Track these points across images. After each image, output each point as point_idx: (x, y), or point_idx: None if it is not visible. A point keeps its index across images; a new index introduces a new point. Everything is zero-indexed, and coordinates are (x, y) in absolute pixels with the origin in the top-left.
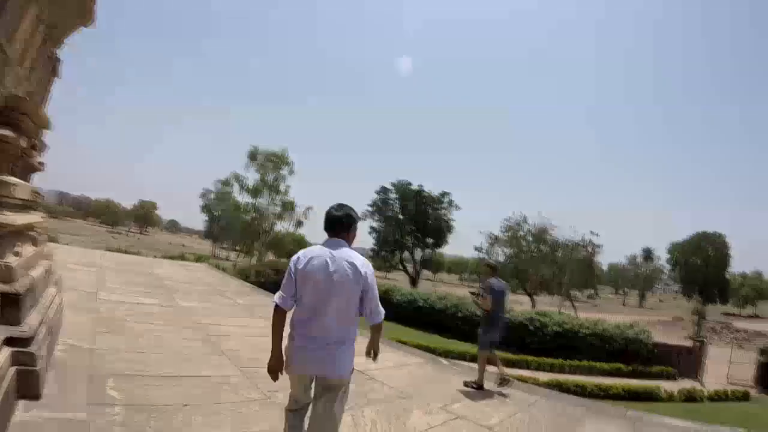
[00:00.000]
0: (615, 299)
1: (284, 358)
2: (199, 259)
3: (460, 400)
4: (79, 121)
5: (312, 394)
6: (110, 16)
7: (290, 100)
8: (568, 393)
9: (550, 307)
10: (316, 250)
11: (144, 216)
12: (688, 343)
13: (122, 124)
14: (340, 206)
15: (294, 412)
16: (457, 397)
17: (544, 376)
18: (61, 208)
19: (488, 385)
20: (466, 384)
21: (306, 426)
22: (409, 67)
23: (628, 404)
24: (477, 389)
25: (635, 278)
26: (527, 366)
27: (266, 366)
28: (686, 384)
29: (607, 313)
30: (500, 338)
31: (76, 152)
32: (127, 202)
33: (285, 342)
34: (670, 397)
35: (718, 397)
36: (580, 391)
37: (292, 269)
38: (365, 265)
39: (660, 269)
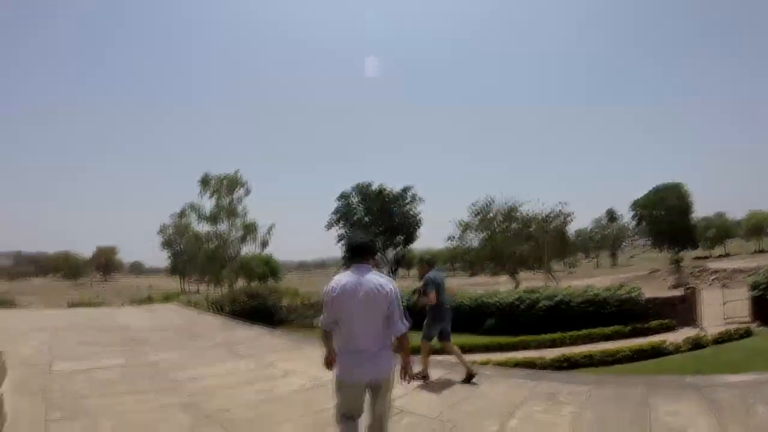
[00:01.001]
0: (587, 264)
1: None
2: (167, 298)
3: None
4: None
5: (363, 402)
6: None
7: (241, 119)
8: (577, 366)
9: (532, 283)
10: (345, 277)
11: (105, 263)
12: (679, 292)
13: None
14: (360, 234)
15: (347, 420)
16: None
17: (549, 353)
18: (19, 268)
19: (435, 374)
20: (413, 376)
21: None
22: (376, 66)
23: (638, 365)
24: (422, 379)
25: (603, 240)
26: (528, 346)
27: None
28: (688, 332)
29: (584, 279)
30: (449, 329)
31: (27, 208)
32: (87, 251)
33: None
34: (677, 349)
35: (722, 339)
36: (589, 362)
37: (328, 299)
38: (390, 284)
39: (625, 227)
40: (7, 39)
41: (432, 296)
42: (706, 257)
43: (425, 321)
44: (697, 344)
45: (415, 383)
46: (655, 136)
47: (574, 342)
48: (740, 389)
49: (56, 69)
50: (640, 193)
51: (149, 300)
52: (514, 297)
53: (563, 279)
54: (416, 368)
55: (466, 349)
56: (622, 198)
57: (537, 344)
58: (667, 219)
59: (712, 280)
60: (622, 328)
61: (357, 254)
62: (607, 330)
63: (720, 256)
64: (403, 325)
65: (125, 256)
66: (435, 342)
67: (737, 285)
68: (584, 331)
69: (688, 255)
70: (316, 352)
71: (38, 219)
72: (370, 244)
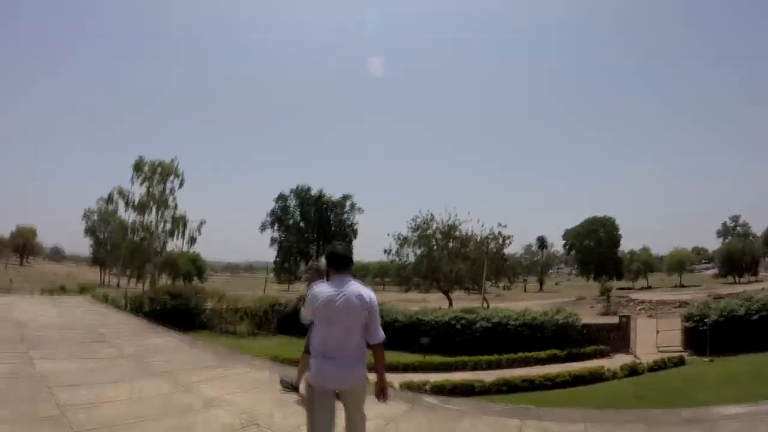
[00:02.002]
0: (515, 287)
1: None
2: (82, 290)
3: None
4: None
5: (334, 420)
6: None
7: (180, 106)
8: (516, 390)
9: (464, 303)
10: (325, 288)
11: (23, 245)
12: (610, 319)
13: None
14: (343, 245)
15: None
16: None
17: (487, 376)
18: None
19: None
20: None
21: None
22: (380, 66)
23: (574, 390)
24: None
25: (532, 265)
26: (464, 367)
27: None
28: (622, 359)
29: (513, 301)
30: None
31: None
32: (4, 230)
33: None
34: (614, 375)
35: (657, 366)
36: (529, 386)
37: (314, 303)
38: (369, 294)
39: (554, 255)
40: None
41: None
42: (629, 288)
43: (307, 333)
44: (633, 371)
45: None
46: (587, 169)
47: (510, 364)
48: (741, 422)
49: None
50: (566, 222)
51: (62, 290)
52: (450, 316)
53: (492, 301)
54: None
55: (401, 368)
56: (546, 226)
57: (473, 365)
58: (596, 250)
59: (639, 309)
60: (558, 352)
61: (343, 265)
62: (543, 354)
63: (642, 288)
64: (380, 335)
65: (45, 239)
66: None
67: (662, 315)
68: (521, 354)
69: (613, 285)
70: (247, 375)
71: None
72: (351, 255)
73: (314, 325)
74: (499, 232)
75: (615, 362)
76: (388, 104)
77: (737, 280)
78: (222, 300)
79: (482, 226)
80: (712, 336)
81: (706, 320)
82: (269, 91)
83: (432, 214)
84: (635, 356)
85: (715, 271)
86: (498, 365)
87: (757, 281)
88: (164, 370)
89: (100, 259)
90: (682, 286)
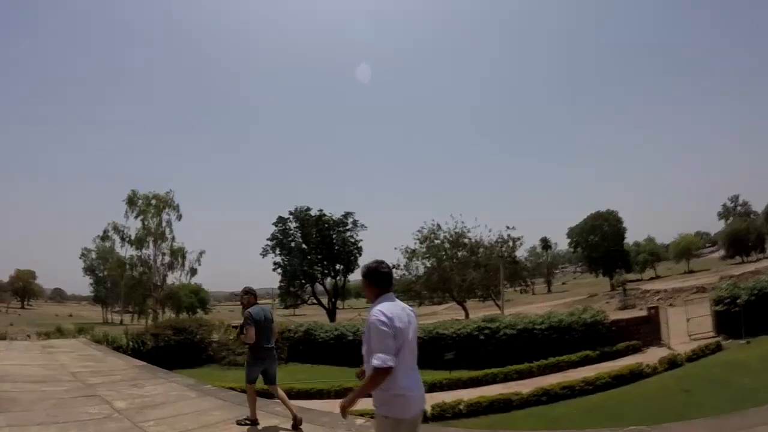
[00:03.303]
0: (514, 291)
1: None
2: (80, 330)
3: None
4: None
5: None
6: None
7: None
8: (557, 398)
9: (479, 312)
10: (392, 305)
11: (23, 288)
12: (641, 313)
13: None
14: (383, 262)
15: None
16: None
17: (522, 387)
18: None
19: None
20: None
21: None
22: (368, 74)
23: (619, 392)
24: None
25: (537, 267)
26: (495, 380)
27: None
28: (657, 352)
29: (525, 305)
30: (274, 371)
31: None
32: (3, 274)
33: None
34: (654, 371)
35: (695, 356)
36: (570, 393)
37: (391, 329)
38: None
39: (558, 255)
40: None
41: (251, 334)
42: (638, 280)
43: (246, 361)
44: (673, 363)
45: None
46: (583, 164)
47: (543, 372)
48: None
49: None
50: (564, 221)
51: (59, 332)
52: (472, 327)
53: (504, 307)
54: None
55: (427, 387)
56: (545, 227)
57: (504, 377)
58: (602, 245)
59: (657, 300)
60: (590, 353)
61: (388, 283)
62: (575, 356)
63: (652, 279)
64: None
65: (46, 282)
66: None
67: (681, 303)
68: (552, 360)
69: (617, 279)
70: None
71: None
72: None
73: (399, 351)
74: (509, 235)
75: (650, 357)
76: (377, 114)
77: (744, 259)
78: (228, 331)
79: (490, 231)
80: (744, 317)
81: (738, 301)
82: (259, 115)
83: (438, 224)
84: (669, 348)
85: (721, 253)
86: (530, 374)
87: (766, 258)
88: (171, 424)
89: (100, 297)
90: (691, 272)
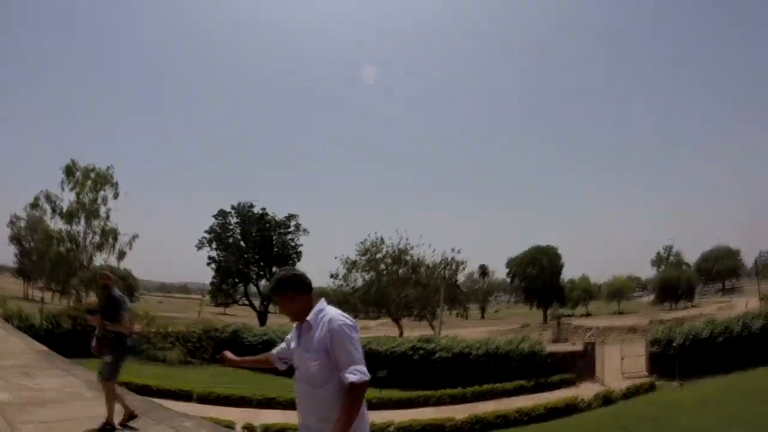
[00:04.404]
0: (451, 314)
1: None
2: None
3: None
4: None
5: None
6: None
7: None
8: (491, 427)
9: (413, 332)
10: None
11: None
12: (577, 347)
13: None
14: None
15: None
16: None
17: (455, 412)
18: None
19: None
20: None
21: None
22: (372, 75)
23: (553, 425)
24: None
25: (473, 293)
26: (427, 402)
27: None
28: (590, 387)
29: (457, 329)
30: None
31: None
32: None
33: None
34: (589, 405)
35: (630, 393)
36: (503, 422)
37: (358, 337)
38: None
39: (495, 283)
40: None
41: (127, 323)
42: (570, 315)
43: (111, 355)
44: (607, 400)
45: None
46: (524, 198)
47: (476, 398)
48: None
49: None
50: (504, 250)
51: None
52: (407, 346)
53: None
54: None
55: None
56: (483, 254)
57: (437, 400)
58: (540, 278)
59: (588, 336)
60: (525, 382)
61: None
62: (510, 385)
63: (583, 315)
64: None
65: None
66: None
67: (612, 341)
68: (487, 386)
69: (553, 312)
70: None
71: None
72: None
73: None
74: (452, 258)
75: (585, 391)
76: (328, 123)
77: (673, 305)
78: (151, 323)
79: (434, 251)
80: (678, 359)
81: (673, 344)
82: (214, 103)
83: (382, 238)
84: (603, 384)
85: (651, 297)
86: (463, 399)
87: (693, 306)
88: None
89: (25, 270)
90: (621, 313)
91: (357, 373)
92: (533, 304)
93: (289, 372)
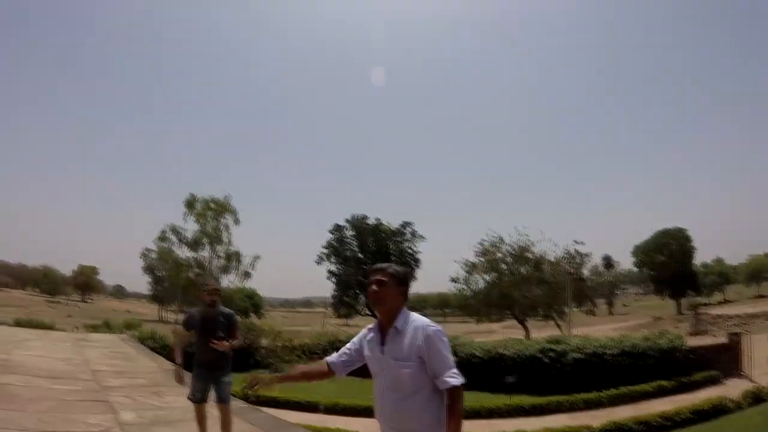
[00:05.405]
0: (579, 312)
1: None
2: (128, 326)
3: None
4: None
5: None
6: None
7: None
8: None
9: (541, 332)
10: None
11: (84, 282)
12: (722, 339)
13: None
14: None
15: None
16: None
17: (591, 419)
18: None
19: None
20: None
21: None
22: (382, 77)
23: (699, 429)
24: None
25: (598, 287)
26: (559, 409)
27: None
28: (738, 384)
29: (583, 327)
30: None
31: (12, 218)
32: (67, 268)
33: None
34: (738, 406)
35: None
36: (645, 429)
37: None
38: None
39: (621, 274)
40: None
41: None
42: (706, 304)
43: (224, 377)
44: (757, 398)
45: None
46: (651, 178)
47: (613, 402)
48: None
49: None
50: (627, 238)
51: (106, 327)
52: (536, 348)
53: (564, 329)
54: None
55: (484, 413)
56: (609, 244)
57: (570, 406)
58: (670, 265)
59: (730, 326)
60: (665, 383)
61: None
62: (649, 386)
63: (720, 303)
64: None
65: (108, 278)
66: None
67: (757, 330)
68: (624, 389)
69: (688, 302)
70: None
71: (19, 229)
72: None
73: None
74: (576, 251)
75: (731, 389)
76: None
77: None
78: (278, 337)
79: (555, 245)
80: None
81: None
82: (320, 123)
83: (501, 237)
84: (752, 380)
85: None
86: (599, 404)
87: None
88: None
89: (158, 295)
90: (761, 296)
91: (456, 376)
92: (664, 295)
93: None
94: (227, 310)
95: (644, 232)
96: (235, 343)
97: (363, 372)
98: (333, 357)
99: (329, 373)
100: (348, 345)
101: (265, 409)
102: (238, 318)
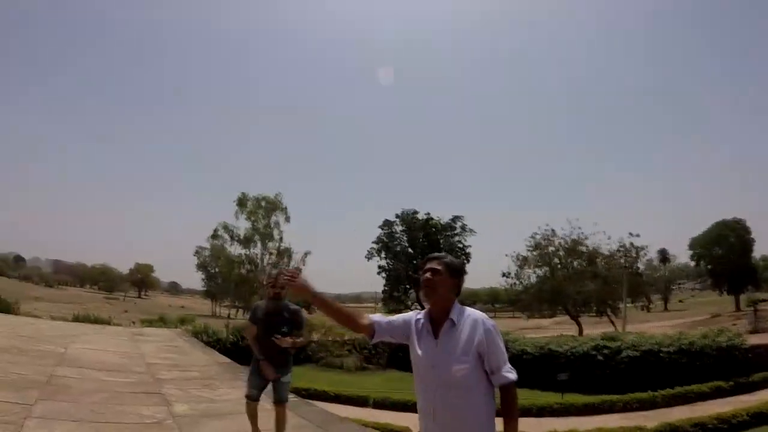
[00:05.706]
0: (633, 307)
1: None
2: (182, 321)
3: None
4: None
5: None
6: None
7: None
8: None
9: (594, 329)
10: None
11: (141, 280)
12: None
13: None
14: None
15: None
16: None
17: (644, 420)
18: (57, 276)
19: None
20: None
21: None
22: (391, 76)
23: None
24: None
25: (654, 282)
26: (612, 408)
27: None
28: None
29: (638, 324)
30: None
31: (70, 219)
32: (124, 267)
33: None
34: None
35: None
36: (700, 431)
37: None
38: None
39: (677, 268)
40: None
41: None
42: (763, 300)
43: (283, 377)
44: None
45: None
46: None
47: (667, 403)
48: None
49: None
50: (686, 230)
51: (161, 321)
52: (590, 345)
53: (615, 326)
54: None
55: (535, 411)
56: (665, 237)
57: (623, 406)
58: (727, 258)
59: None
60: (722, 383)
61: None
62: (705, 387)
63: None
64: None
65: (163, 276)
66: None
67: None
68: (679, 389)
69: (747, 298)
70: None
71: (80, 230)
72: None
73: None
74: (631, 243)
75: None
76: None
77: None
78: (329, 332)
79: (609, 238)
80: None
81: None
82: (366, 120)
83: (553, 230)
84: None
85: None
86: (653, 404)
87: None
88: None
89: (211, 291)
90: None
91: (512, 371)
92: (722, 290)
93: None
94: (294, 305)
95: (702, 224)
96: (299, 341)
97: (411, 366)
98: (378, 316)
99: (365, 328)
100: (394, 317)
101: (316, 402)
102: (306, 314)
